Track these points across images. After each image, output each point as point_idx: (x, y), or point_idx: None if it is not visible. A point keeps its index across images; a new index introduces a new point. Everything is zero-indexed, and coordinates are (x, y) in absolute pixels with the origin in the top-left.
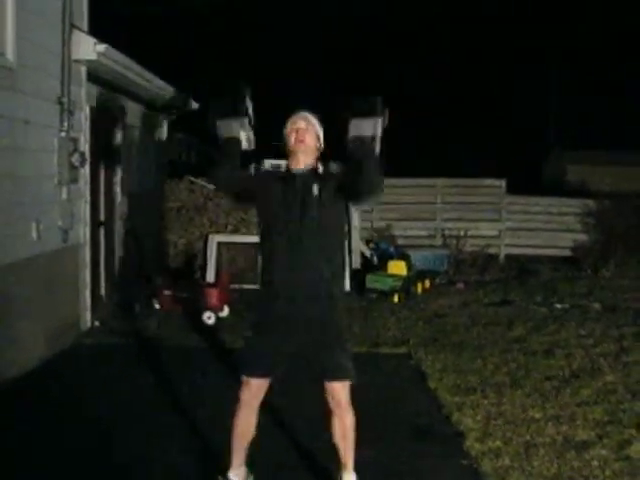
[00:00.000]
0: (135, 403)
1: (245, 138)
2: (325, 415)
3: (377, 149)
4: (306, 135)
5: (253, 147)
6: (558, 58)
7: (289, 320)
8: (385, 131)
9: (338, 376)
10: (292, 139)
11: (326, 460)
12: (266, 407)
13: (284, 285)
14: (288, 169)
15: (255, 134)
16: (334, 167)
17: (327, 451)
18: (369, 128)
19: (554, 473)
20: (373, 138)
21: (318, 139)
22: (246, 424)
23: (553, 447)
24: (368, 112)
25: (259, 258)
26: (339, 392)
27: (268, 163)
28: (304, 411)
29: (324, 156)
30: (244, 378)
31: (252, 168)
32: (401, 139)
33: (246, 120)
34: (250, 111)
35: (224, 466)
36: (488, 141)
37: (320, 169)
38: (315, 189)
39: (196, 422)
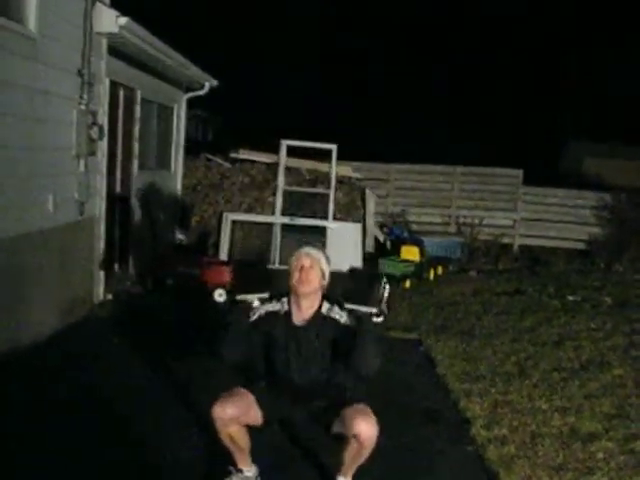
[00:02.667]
0: (144, 378)
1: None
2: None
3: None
4: (310, 274)
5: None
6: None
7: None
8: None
9: (355, 402)
10: (296, 277)
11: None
12: None
13: (290, 384)
14: (289, 315)
15: None
16: (338, 313)
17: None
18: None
19: (559, 463)
20: (371, 314)
21: (323, 276)
22: (239, 433)
23: (559, 438)
24: (365, 300)
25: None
26: (362, 417)
27: (256, 302)
28: None
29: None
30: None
31: (251, 313)
32: (419, 128)
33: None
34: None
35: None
36: (506, 131)
37: (324, 310)
38: (317, 343)
39: (205, 401)
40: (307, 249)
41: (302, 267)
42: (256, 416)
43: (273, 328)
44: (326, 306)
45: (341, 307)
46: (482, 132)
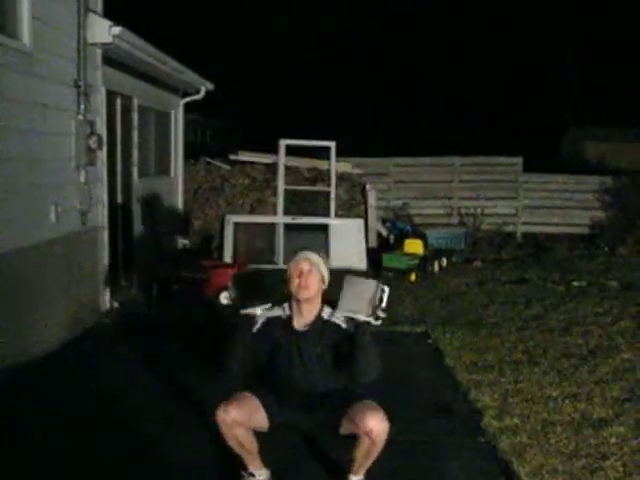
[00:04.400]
0: (153, 385)
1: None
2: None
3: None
4: (310, 279)
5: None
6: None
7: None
8: (402, 114)
9: (363, 399)
10: (295, 283)
11: (337, 455)
12: None
13: (294, 390)
14: (290, 320)
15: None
16: (339, 316)
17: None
18: (362, 311)
19: (571, 450)
20: (368, 322)
21: (323, 280)
22: (245, 437)
23: (571, 425)
24: (360, 309)
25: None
26: (371, 413)
27: (261, 314)
28: None
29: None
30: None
31: (254, 322)
32: (417, 118)
33: (269, 304)
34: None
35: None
36: (505, 119)
37: (326, 315)
38: (318, 348)
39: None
40: (305, 254)
41: (301, 272)
42: (262, 420)
43: (275, 334)
44: (327, 311)
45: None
46: (481, 120)
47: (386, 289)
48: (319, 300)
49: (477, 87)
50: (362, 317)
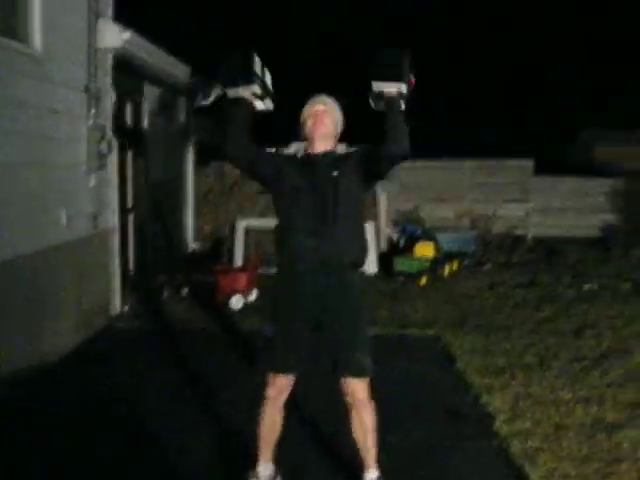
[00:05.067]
0: (164, 389)
1: (257, 99)
2: (345, 411)
3: (402, 106)
4: (325, 118)
5: (271, 107)
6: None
7: (309, 296)
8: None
9: (356, 373)
10: (310, 123)
11: (351, 456)
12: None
13: (304, 253)
14: (307, 153)
15: (273, 99)
16: (353, 148)
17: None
18: (393, 87)
19: (584, 454)
20: (400, 94)
21: (337, 123)
22: (272, 422)
23: (583, 428)
24: (392, 74)
25: (275, 241)
26: (357, 389)
27: (294, 146)
28: (325, 404)
29: (345, 137)
30: (269, 375)
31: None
32: (429, 120)
33: (256, 86)
34: (263, 76)
35: (253, 458)
36: (516, 121)
37: (339, 150)
38: (335, 172)
39: (224, 410)
40: (320, 96)
41: (316, 112)
42: (293, 380)
43: (288, 162)
44: (342, 147)
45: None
46: (490, 122)
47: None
48: (334, 142)
49: (478, 88)
50: (394, 89)
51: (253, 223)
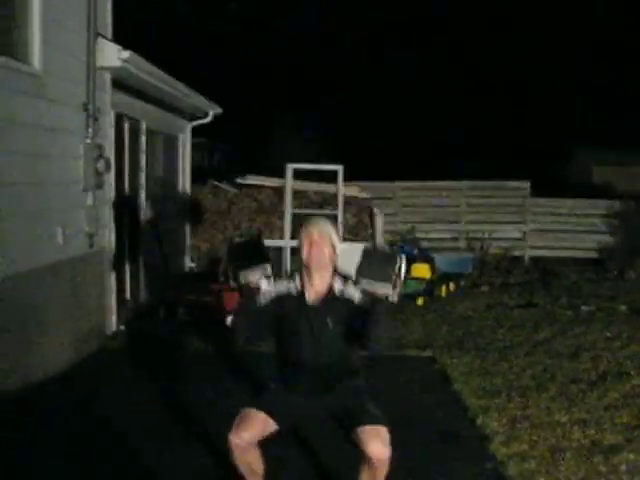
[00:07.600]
0: (158, 408)
1: (265, 282)
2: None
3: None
4: (320, 248)
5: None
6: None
7: (309, 386)
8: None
9: (371, 420)
10: (306, 251)
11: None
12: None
13: (299, 376)
14: (302, 292)
15: None
16: (351, 290)
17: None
18: (381, 289)
19: (581, 477)
20: (386, 297)
21: (334, 249)
22: (248, 464)
23: (580, 451)
24: (382, 277)
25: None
26: (374, 439)
27: (264, 285)
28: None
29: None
30: (242, 412)
31: (261, 298)
32: (427, 141)
33: (268, 266)
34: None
35: None
36: (513, 142)
37: (337, 288)
38: (329, 322)
39: (218, 430)
40: (316, 221)
41: (312, 241)
42: (272, 427)
43: (285, 309)
44: (339, 283)
45: (354, 283)
46: (485, 144)
47: (403, 257)
48: (331, 270)
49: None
50: (381, 290)
51: None
